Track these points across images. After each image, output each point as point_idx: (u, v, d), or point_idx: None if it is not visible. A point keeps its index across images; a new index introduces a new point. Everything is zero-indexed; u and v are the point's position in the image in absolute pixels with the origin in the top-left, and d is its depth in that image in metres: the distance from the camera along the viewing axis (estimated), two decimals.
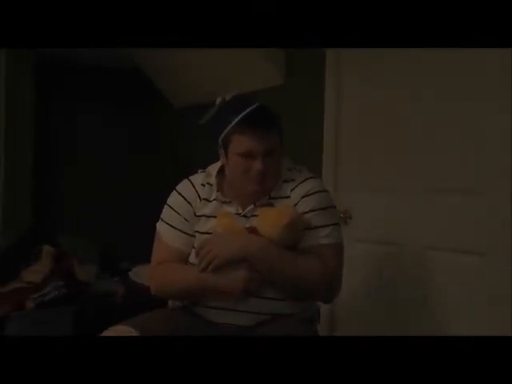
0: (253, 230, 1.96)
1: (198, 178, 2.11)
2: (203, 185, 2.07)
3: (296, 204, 2.00)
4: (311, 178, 2.06)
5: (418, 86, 2.69)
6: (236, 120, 1.92)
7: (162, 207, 2.12)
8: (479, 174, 2.44)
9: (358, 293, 2.90)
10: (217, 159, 2.08)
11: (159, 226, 2.10)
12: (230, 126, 1.94)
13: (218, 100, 2.08)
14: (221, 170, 2.07)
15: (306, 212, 1.99)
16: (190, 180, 2.12)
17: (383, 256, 2.85)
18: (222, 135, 1.97)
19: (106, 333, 1.84)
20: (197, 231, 2.04)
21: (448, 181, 2.57)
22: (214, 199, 2.05)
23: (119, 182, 4.45)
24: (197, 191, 2.07)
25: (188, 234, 2.05)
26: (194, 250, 2.02)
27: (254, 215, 2.00)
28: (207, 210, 2.05)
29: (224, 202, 2.04)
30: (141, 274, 3.35)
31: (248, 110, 1.93)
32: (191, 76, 3.84)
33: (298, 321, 1.96)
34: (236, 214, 2.02)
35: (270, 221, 1.95)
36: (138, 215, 4.03)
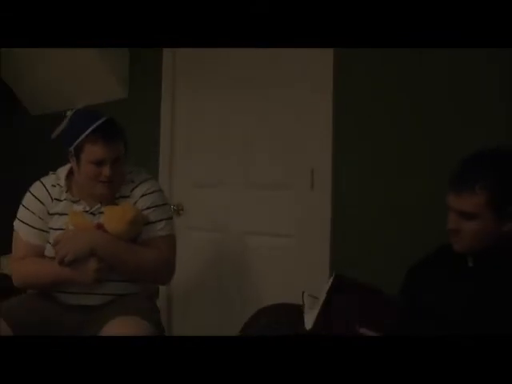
0: (100, 227, 2.15)
1: (48, 179, 2.25)
2: (54, 186, 2.22)
3: (136, 202, 2.22)
4: (148, 179, 2.29)
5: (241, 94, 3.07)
6: (88, 131, 2.10)
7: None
8: (286, 170, 2.89)
9: (191, 272, 3.27)
10: (65, 162, 2.26)
11: (16, 224, 2.24)
12: (83, 136, 2.11)
13: (69, 113, 2.22)
14: (69, 173, 2.24)
15: (145, 209, 2.22)
16: (41, 181, 2.25)
17: (210, 240, 3.24)
18: (75, 144, 2.13)
19: None
20: (51, 228, 2.20)
21: (262, 176, 3.01)
22: (64, 199, 2.20)
23: None
24: (48, 192, 2.21)
25: (43, 231, 2.20)
26: (48, 244, 2.19)
27: (101, 212, 2.19)
28: (59, 208, 2.20)
29: (73, 201, 2.21)
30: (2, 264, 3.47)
31: (99, 123, 2.11)
32: (45, 87, 3.87)
33: (140, 297, 2.22)
34: (84, 211, 2.20)
35: (115, 218, 2.14)
36: None
